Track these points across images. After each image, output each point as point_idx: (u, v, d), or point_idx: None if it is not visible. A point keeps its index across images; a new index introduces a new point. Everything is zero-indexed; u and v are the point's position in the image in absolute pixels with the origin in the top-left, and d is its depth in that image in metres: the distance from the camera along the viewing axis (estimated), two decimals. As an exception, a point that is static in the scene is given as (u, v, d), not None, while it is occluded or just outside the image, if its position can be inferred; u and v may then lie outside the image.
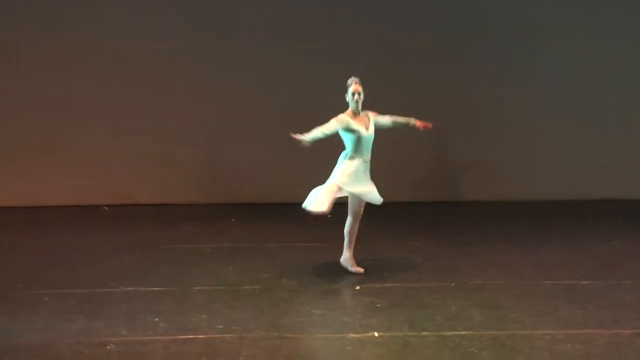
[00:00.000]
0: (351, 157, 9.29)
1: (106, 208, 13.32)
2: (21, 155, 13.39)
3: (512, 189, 13.70)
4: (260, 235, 11.49)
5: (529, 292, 8.87)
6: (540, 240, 11.17)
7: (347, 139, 9.28)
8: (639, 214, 12.87)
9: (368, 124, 9.34)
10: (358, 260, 9.56)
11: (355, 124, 9.27)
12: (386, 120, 9.55)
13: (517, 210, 13.13)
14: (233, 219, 12.52)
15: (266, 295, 8.79)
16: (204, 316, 8.11)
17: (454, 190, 13.81)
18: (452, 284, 9.14)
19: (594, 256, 10.39)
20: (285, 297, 8.74)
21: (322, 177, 9.39)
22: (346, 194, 9.31)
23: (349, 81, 9.38)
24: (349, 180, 9.21)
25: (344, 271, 9.48)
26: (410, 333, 7.66)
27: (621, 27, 13.71)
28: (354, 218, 9.38)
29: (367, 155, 9.32)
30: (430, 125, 9.74)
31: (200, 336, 7.59)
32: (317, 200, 9.13)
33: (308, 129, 9.21)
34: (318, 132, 9.06)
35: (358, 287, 9.08)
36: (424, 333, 7.64)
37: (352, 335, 7.64)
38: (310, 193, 9.26)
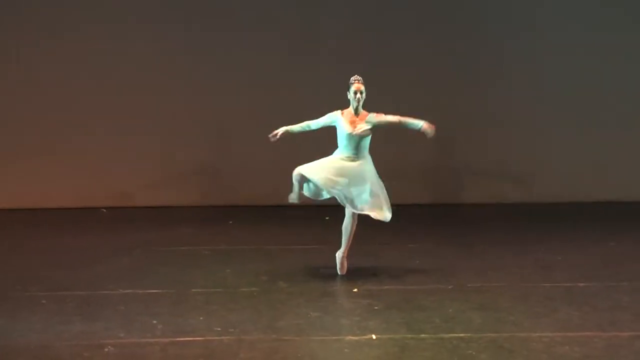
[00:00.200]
0: (337, 152, 9.34)
1: (104, 210, 13.32)
2: (20, 156, 13.39)
3: (510, 191, 13.71)
4: (258, 238, 11.49)
5: (527, 294, 8.87)
6: (539, 242, 11.17)
7: (338, 135, 9.37)
8: (636, 215, 12.87)
9: (361, 124, 9.32)
10: (356, 262, 9.55)
11: (343, 120, 9.29)
12: (393, 120, 9.52)
13: (515, 212, 13.14)
14: (231, 221, 12.51)
15: (264, 298, 8.78)
16: (201, 318, 8.10)
17: (452, 192, 13.81)
18: (450, 286, 9.13)
19: (592, 258, 10.39)
20: (282, 299, 8.74)
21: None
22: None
23: (352, 79, 9.38)
24: (313, 166, 9.29)
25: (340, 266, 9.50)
26: (408, 335, 7.65)
27: (622, 26, 13.71)
28: (352, 216, 9.39)
29: (356, 153, 9.30)
30: (433, 128, 9.70)
31: (198, 338, 7.58)
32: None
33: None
34: (303, 124, 9.39)
35: (356, 289, 9.07)
36: (422, 335, 7.64)
37: (349, 337, 7.63)
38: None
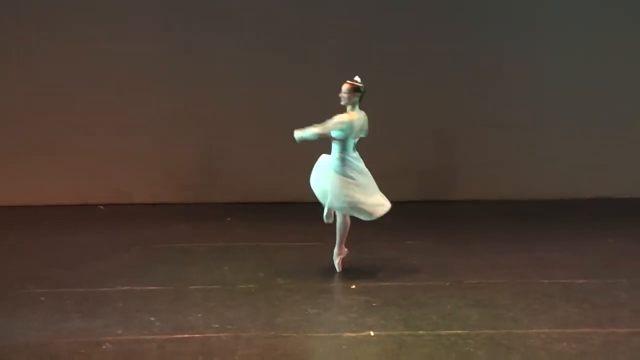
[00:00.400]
0: (352, 154, 9.36)
1: (102, 207, 13.32)
2: (17, 154, 13.38)
3: (508, 188, 13.71)
4: (256, 235, 11.49)
5: (525, 291, 8.88)
6: (537, 239, 11.17)
7: (349, 137, 9.32)
8: (634, 212, 12.88)
9: None
10: (354, 258, 9.56)
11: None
12: None
13: (513, 209, 13.13)
14: (229, 218, 12.51)
15: (262, 295, 8.79)
16: (199, 315, 8.11)
17: (450, 189, 13.80)
18: (448, 283, 9.14)
19: (590, 255, 10.40)
20: (280, 296, 8.74)
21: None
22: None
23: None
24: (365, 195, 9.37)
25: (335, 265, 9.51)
26: (406, 332, 7.66)
27: (621, 26, 13.72)
28: (344, 216, 9.42)
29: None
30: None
31: (196, 335, 7.59)
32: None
33: (304, 127, 9.26)
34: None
35: (354, 286, 9.08)
36: (420, 332, 7.65)
37: (347, 334, 7.64)
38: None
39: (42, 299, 8.65)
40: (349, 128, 9.19)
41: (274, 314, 8.18)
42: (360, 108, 9.37)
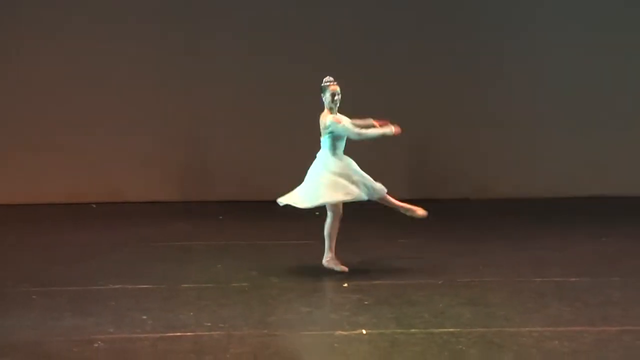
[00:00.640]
0: (341, 155, 9.29)
1: (94, 206, 13.31)
2: (12, 153, 13.39)
3: (502, 187, 13.74)
4: (249, 233, 11.50)
5: (518, 289, 8.88)
6: (530, 237, 11.19)
7: (336, 139, 9.25)
8: (627, 210, 12.90)
9: None
10: (346, 257, 9.55)
11: None
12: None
13: (506, 207, 13.16)
14: (221, 217, 12.51)
15: (255, 293, 8.78)
16: (192, 314, 8.09)
17: (443, 188, 13.82)
18: (440, 282, 9.14)
19: (583, 253, 10.42)
20: (273, 294, 8.74)
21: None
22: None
23: (326, 81, 9.28)
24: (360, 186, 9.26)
25: (332, 269, 9.48)
26: (398, 330, 7.65)
27: (620, 26, 13.75)
28: (334, 217, 9.36)
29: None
30: (388, 122, 9.59)
31: (188, 334, 7.57)
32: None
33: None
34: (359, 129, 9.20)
35: (346, 285, 9.07)
36: (412, 330, 7.64)
37: (340, 332, 7.63)
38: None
39: (35, 297, 8.64)
40: None
41: (267, 312, 8.17)
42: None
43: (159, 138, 13.56)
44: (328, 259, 9.45)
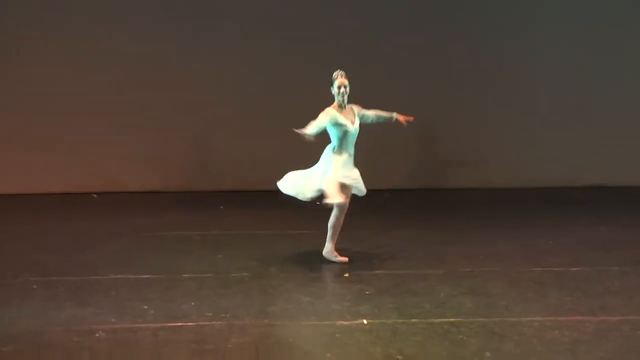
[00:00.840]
0: (338, 151, 9.23)
1: (95, 195, 13.31)
2: (10, 143, 13.38)
3: (501, 176, 13.75)
4: (250, 223, 11.50)
5: (518, 279, 8.89)
6: (529, 227, 11.19)
7: (333, 133, 9.21)
8: (625, 200, 12.92)
9: (353, 119, 9.27)
10: (347, 247, 9.56)
11: (342, 118, 9.20)
12: (370, 114, 9.47)
13: (506, 197, 13.16)
14: (222, 207, 12.51)
15: (255, 283, 8.79)
16: (192, 303, 8.10)
17: (443, 178, 13.83)
18: (441, 271, 9.15)
19: (582, 243, 10.43)
20: (274, 284, 8.74)
21: (309, 165, 9.37)
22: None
23: (335, 74, 9.25)
24: (343, 173, 9.18)
25: (330, 260, 9.48)
26: (399, 320, 7.66)
27: (619, 25, 13.75)
28: (340, 210, 9.33)
29: (352, 149, 9.27)
30: (411, 118, 9.62)
31: (189, 323, 7.58)
32: (331, 192, 9.06)
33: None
34: (314, 127, 8.97)
35: (347, 275, 9.08)
36: (413, 320, 7.65)
37: (341, 322, 7.64)
38: (294, 183, 9.23)
39: (35, 287, 8.64)
40: None
41: (268, 302, 8.18)
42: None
43: (159, 128, 13.56)
44: (327, 250, 9.45)
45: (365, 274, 9.08)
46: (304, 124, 9.51)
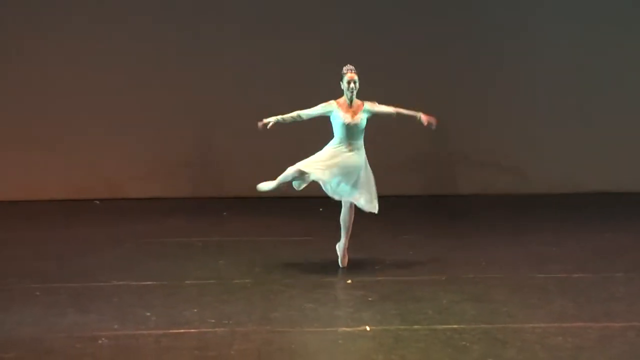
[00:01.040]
0: (334, 143, 9.26)
1: (98, 202, 13.31)
2: (12, 149, 13.37)
3: (505, 182, 13.72)
4: (252, 229, 11.49)
5: (521, 286, 8.87)
6: (533, 233, 11.18)
7: (333, 125, 9.25)
8: (630, 206, 12.89)
9: (357, 113, 9.26)
10: (350, 253, 9.53)
11: (339, 110, 9.20)
12: (389, 110, 9.46)
13: (509, 203, 13.15)
14: (225, 213, 12.50)
15: (257, 289, 8.77)
16: (195, 310, 8.09)
17: (446, 183, 13.81)
18: (444, 278, 9.13)
19: (586, 249, 10.41)
20: (276, 290, 8.73)
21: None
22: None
23: (344, 69, 9.26)
24: (315, 164, 9.17)
25: (336, 265, 9.47)
26: (402, 327, 7.65)
27: (618, 24, 13.74)
28: (344, 205, 9.35)
29: (353, 142, 9.22)
30: (435, 121, 9.61)
31: (192, 330, 7.57)
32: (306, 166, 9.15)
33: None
34: (293, 114, 9.28)
35: (349, 281, 9.07)
36: (416, 327, 7.64)
37: (343, 329, 7.63)
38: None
39: (38, 293, 8.63)
40: None
41: (270, 308, 8.17)
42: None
43: (161, 134, 13.55)
44: (339, 245, 9.44)
45: (368, 280, 9.07)
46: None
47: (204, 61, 13.52)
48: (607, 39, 13.71)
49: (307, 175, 9.16)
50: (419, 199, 13.38)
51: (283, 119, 9.33)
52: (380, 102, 9.49)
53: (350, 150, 9.21)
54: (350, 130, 9.20)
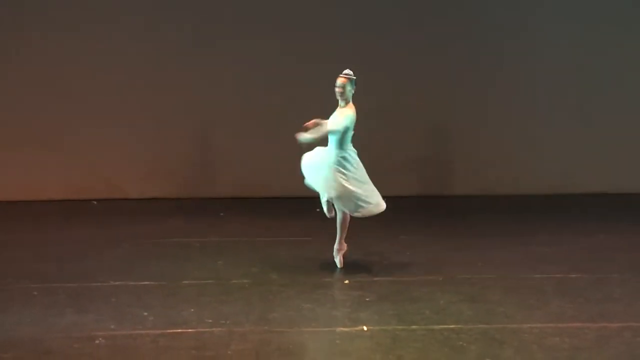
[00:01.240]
0: (351, 148, 9.31)
1: (95, 202, 13.31)
2: (9, 149, 13.37)
3: (501, 183, 13.73)
4: (250, 230, 11.49)
5: (518, 286, 8.89)
6: (529, 234, 11.19)
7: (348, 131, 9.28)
8: (625, 207, 12.91)
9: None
10: (347, 252, 9.54)
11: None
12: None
13: (506, 204, 13.15)
14: (222, 214, 12.51)
15: (255, 290, 8.79)
16: (193, 310, 8.10)
17: (443, 184, 13.82)
18: (441, 278, 9.15)
19: (582, 250, 10.42)
20: (274, 291, 8.74)
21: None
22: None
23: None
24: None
25: (333, 265, 9.49)
26: (399, 327, 7.67)
27: (614, 17, 13.75)
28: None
29: (329, 144, 9.34)
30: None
31: (190, 330, 7.59)
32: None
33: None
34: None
35: (347, 281, 9.09)
36: (413, 327, 7.66)
37: (341, 329, 7.64)
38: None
39: (35, 293, 8.64)
40: (353, 122, 9.19)
41: (268, 308, 8.18)
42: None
43: (160, 135, 13.54)
44: (336, 248, 9.46)
45: (365, 280, 9.08)
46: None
47: (203, 61, 13.51)
48: (607, 39, 13.72)
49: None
50: (417, 200, 13.38)
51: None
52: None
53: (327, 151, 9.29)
54: (331, 134, 9.24)
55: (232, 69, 13.53)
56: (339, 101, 9.27)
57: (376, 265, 9.69)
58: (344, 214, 9.34)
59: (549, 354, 7.03)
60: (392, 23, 13.60)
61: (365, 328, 7.62)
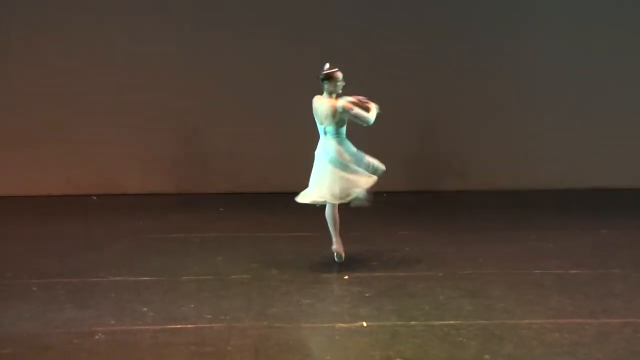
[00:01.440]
0: (344, 139, 9.34)
1: (95, 198, 13.31)
2: (9, 144, 13.37)
3: (502, 179, 13.73)
4: (250, 225, 11.49)
5: (518, 282, 8.87)
6: (530, 229, 11.18)
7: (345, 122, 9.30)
8: (626, 202, 12.90)
9: None
10: (346, 249, 9.51)
11: None
12: None
13: (506, 199, 13.15)
14: (221, 209, 12.50)
15: (255, 285, 8.78)
16: (192, 306, 8.10)
17: (443, 180, 13.82)
18: (441, 274, 9.14)
19: (583, 245, 10.41)
20: (274, 286, 8.73)
21: (309, 167, 9.37)
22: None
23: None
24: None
25: (333, 261, 9.47)
26: (399, 322, 7.65)
27: (613, 15, 13.75)
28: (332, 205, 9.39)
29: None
30: None
31: (189, 326, 7.58)
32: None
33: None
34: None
35: (347, 277, 9.07)
36: (413, 322, 7.64)
37: (340, 324, 7.63)
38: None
39: (35, 289, 8.63)
40: None
41: (268, 304, 8.17)
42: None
43: (158, 130, 13.55)
44: (335, 248, 9.46)
45: (364, 276, 9.07)
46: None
47: (203, 61, 13.52)
48: (607, 39, 13.71)
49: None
50: (417, 195, 13.38)
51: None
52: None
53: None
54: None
55: (231, 63, 13.52)
56: (332, 93, 9.24)
57: (376, 260, 9.68)
58: (332, 208, 9.28)
59: (548, 350, 7.01)
60: (392, 23, 13.60)
61: (364, 324, 7.61)
